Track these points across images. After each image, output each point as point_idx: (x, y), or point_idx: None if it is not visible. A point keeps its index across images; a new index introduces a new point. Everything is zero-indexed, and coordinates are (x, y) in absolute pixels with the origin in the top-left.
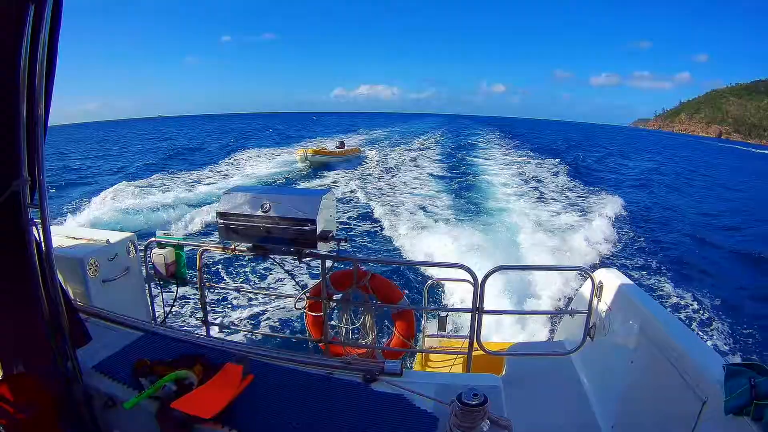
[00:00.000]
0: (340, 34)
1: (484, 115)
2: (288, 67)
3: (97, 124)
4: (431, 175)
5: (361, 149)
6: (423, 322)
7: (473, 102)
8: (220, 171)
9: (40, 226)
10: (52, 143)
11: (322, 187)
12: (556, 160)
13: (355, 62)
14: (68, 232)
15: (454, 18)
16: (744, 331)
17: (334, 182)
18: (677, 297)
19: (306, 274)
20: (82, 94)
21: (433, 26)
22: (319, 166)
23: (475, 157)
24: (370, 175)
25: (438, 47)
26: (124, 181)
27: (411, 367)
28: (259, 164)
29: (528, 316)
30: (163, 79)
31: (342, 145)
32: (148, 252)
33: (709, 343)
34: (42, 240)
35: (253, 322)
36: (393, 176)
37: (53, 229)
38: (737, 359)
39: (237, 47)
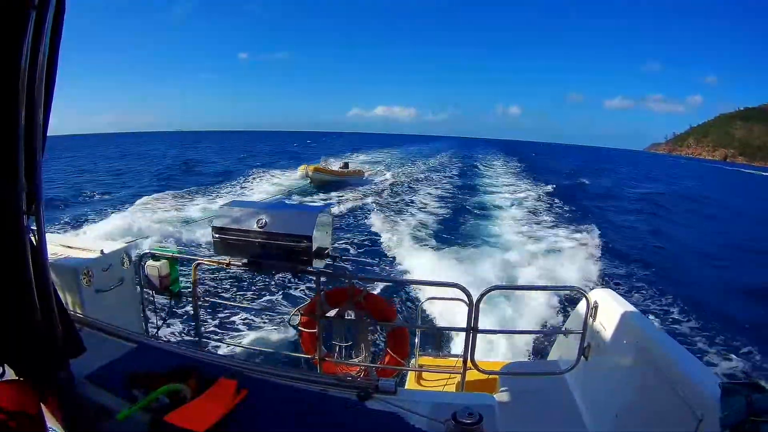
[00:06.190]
0: (356, 55)
1: (498, 138)
2: (304, 86)
3: (118, 135)
4: (435, 196)
5: (366, 171)
6: (417, 341)
7: (488, 124)
8: (230, 189)
9: (35, 234)
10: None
11: (321, 204)
12: (561, 184)
13: (373, 83)
14: (63, 241)
15: (470, 41)
16: (739, 351)
17: (335, 200)
18: (672, 317)
19: (301, 290)
20: (99, 106)
21: (449, 49)
22: (320, 184)
23: (481, 180)
24: (371, 194)
25: (455, 69)
26: (145, 196)
27: (404, 385)
28: (267, 182)
29: (522, 335)
30: (182, 94)
31: (346, 165)
32: (143, 263)
33: (704, 361)
34: (37, 248)
35: (246, 337)
36: (395, 196)
37: (48, 237)
38: (733, 378)
39: (253, 64)
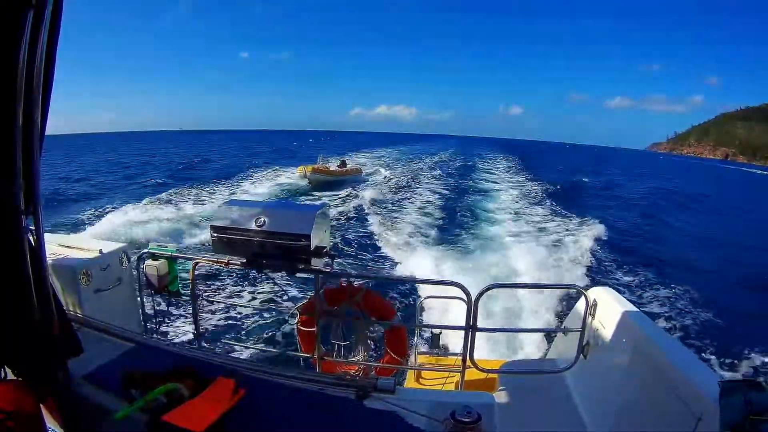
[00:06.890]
0: (357, 55)
1: (499, 137)
2: (305, 85)
3: (116, 134)
4: (435, 193)
5: (363, 169)
6: (416, 339)
7: (490, 123)
8: (230, 187)
9: (33, 234)
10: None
11: (319, 203)
12: (561, 181)
13: (375, 82)
14: (61, 241)
15: (472, 43)
16: (738, 349)
17: (334, 198)
18: (671, 315)
19: (299, 289)
20: (97, 105)
21: (451, 50)
22: (318, 185)
23: (481, 176)
24: (369, 192)
25: (457, 70)
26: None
27: (403, 384)
28: (266, 181)
29: (521, 334)
30: (182, 93)
31: (343, 164)
32: (141, 263)
33: (703, 360)
34: (36, 248)
35: (245, 336)
36: (394, 194)
37: (46, 236)
38: (732, 376)
39: (255, 64)
